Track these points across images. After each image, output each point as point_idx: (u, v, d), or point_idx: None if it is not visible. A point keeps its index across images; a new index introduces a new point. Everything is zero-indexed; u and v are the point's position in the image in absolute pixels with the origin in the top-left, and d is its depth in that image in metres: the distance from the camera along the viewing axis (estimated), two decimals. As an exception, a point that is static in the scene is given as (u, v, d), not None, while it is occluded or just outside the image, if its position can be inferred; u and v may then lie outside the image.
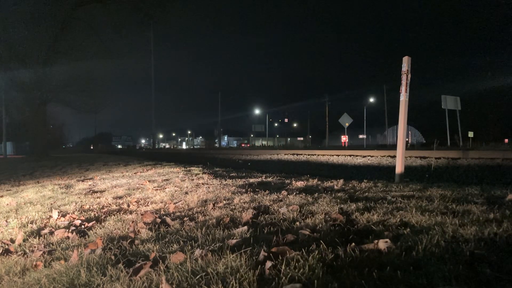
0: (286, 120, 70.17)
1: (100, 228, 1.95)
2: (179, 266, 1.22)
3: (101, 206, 2.71)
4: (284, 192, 2.72)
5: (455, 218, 1.61)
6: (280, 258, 1.20)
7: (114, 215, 2.29)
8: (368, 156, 7.59)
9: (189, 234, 1.66)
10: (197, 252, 1.35)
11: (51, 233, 1.98)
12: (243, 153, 12.80)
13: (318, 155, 9.03)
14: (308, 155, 9.35)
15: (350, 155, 8.12)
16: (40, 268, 1.42)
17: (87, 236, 1.83)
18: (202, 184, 3.60)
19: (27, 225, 2.22)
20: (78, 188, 4.06)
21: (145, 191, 3.34)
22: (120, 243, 1.58)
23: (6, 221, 2.41)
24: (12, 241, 1.88)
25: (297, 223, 1.72)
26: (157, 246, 1.49)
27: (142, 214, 2.17)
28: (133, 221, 2.02)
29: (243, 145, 73.46)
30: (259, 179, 3.78)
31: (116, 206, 2.68)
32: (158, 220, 2.00)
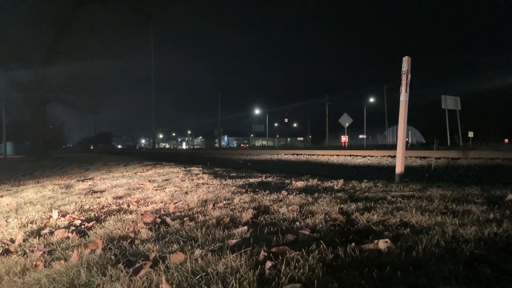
0: (286, 120, 70.09)
1: (100, 228, 1.95)
2: (179, 266, 1.22)
3: (101, 206, 2.71)
4: (284, 192, 2.72)
5: (455, 218, 1.61)
6: (280, 258, 1.20)
7: (114, 215, 2.29)
8: (368, 156, 7.58)
9: (189, 234, 1.66)
10: (197, 252, 1.35)
11: (51, 233, 1.98)
12: (243, 153, 12.79)
13: (318, 155, 9.03)
14: (308, 155, 9.34)
15: (350, 155, 8.11)
16: (40, 268, 1.42)
17: (87, 236, 1.83)
18: (202, 184, 3.60)
19: (27, 225, 2.22)
20: (78, 188, 4.06)
21: (145, 191, 3.34)
22: (120, 243, 1.58)
23: (6, 221, 2.41)
24: (12, 241, 1.89)
25: (297, 223, 1.72)
26: (157, 246, 1.49)
27: (142, 214, 2.17)
28: (133, 221, 2.02)
29: (242, 145, 73.45)
30: (259, 179, 3.78)
31: (116, 206, 2.68)
32: (158, 220, 2.00)
